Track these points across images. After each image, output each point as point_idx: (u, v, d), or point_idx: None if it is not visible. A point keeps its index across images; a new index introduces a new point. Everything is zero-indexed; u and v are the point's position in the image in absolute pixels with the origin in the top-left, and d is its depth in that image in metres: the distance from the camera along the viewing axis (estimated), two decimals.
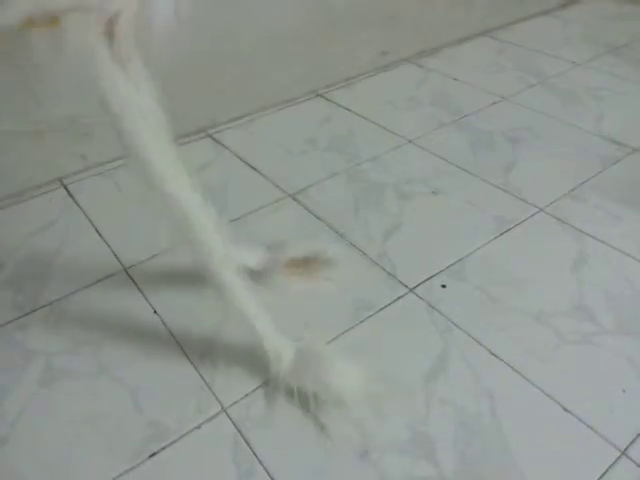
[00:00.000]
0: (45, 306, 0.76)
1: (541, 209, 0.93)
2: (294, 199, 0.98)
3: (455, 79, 1.38)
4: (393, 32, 1.40)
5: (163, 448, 0.58)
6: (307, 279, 0.77)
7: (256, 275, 0.73)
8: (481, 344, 0.70)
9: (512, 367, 0.67)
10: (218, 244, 0.60)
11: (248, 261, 0.74)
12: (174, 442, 0.59)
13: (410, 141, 1.14)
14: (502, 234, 0.88)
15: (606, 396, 0.64)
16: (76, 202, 0.96)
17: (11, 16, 0.44)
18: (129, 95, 0.51)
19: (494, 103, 1.27)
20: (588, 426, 0.60)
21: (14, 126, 0.96)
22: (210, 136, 1.17)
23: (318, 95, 1.32)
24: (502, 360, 0.68)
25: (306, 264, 0.78)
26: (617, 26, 1.65)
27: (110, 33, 0.48)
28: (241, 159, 1.09)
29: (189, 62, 1.08)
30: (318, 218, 0.93)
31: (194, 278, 0.66)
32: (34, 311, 0.75)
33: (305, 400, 0.61)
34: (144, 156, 0.55)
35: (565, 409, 0.62)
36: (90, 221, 0.92)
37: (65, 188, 1.00)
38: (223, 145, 1.14)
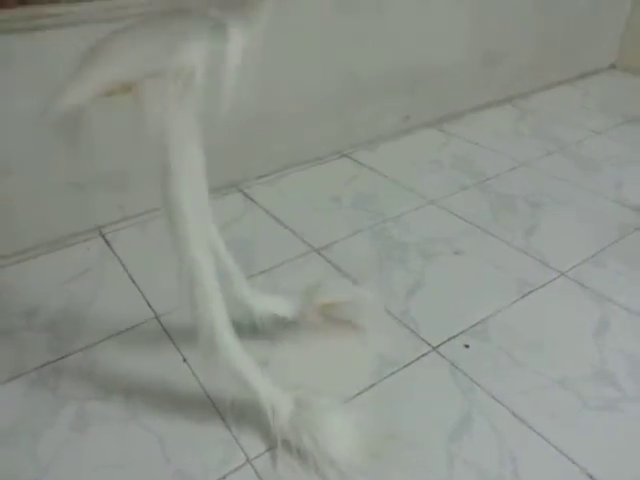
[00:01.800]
0: (79, 351, 0.79)
1: (563, 273, 0.95)
2: (319, 254, 1.01)
3: (476, 144, 1.44)
4: (416, 98, 1.47)
5: None
6: (337, 325, 0.78)
7: (286, 324, 0.76)
8: (504, 405, 0.70)
9: (535, 430, 0.67)
10: (219, 311, 0.61)
11: (279, 310, 0.76)
12: None
13: (432, 202, 1.18)
14: (524, 296, 0.90)
15: (629, 463, 0.64)
16: (113, 250, 1.01)
17: (88, 91, 0.49)
18: (185, 145, 0.55)
19: (514, 168, 1.31)
20: None
21: (59, 177, 1.02)
22: (241, 191, 1.23)
23: (344, 155, 1.38)
24: (525, 423, 0.68)
25: (337, 309, 0.79)
26: (634, 97, 1.71)
27: (181, 90, 0.53)
28: (270, 214, 1.14)
29: (225, 119, 1.15)
30: (342, 273, 0.96)
31: (235, 327, 0.69)
32: (68, 356, 0.78)
33: (304, 457, 0.62)
34: (178, 209, 0.58)
35: (589, 475, 0.62)
36: (125, 269, 0.96)
37: (103, 237, 1.05)
38: (253, 200, 1.19)
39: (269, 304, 0.74)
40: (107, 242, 1.03)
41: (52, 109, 0.48)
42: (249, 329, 0.74)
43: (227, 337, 0.61)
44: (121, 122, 0.92)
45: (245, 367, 0.62)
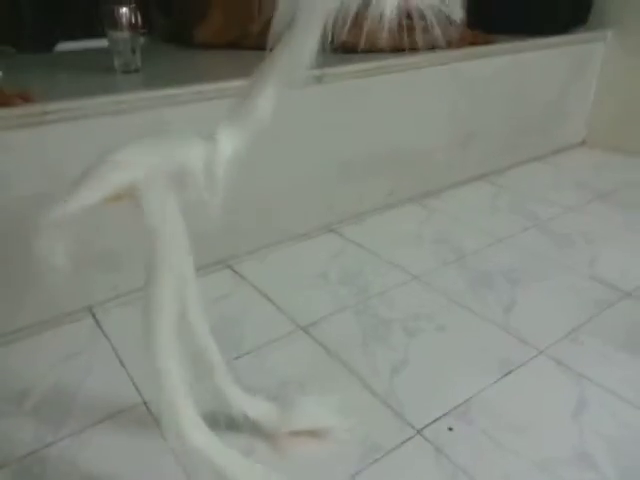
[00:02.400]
0: (65, 438, 0.79)
1: (541, 351, 0.98)
2: (305, 332, 1.04)
3: (456, 219, 1.50)
4: (398, 176, 1.54)
5: None
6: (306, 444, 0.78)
7: (254, 425, 0.76)
8: None
9: None
10: (186, 412, 0.62)
11: (248, 410, 0.75)
12: None
13: (415, 277, 1.22)
14: (505, 375, 0.92)
15: None
16: (103, 331, 1.02)
17: (89, 198, 0.53)
18: (174, 244, 0.59)
19: (492, 244, 1.37)
20: None
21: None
22: (230, 267, 1.26)
23: (331, 230, 1.43)
24: None
25: (308, 434, 0.79)
26: (605, 174, 1.81)
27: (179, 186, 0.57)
28: (258, 290, 1.17)
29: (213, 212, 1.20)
30: (328, 352, 0.98)
31: (212, 418, 0.70)
32: (54, 444, 0.78)
33: None
34: (157, 313, 0.60)
35: None
36: (115, 351, 0.97)
37: (93, 317, 1.07)
38: (242, 276, 1.23)
39: (245, 404, 0.74)
40: (97, 322, 1.05)
41: (51, 215, 0.52)
42: (227, 422, 0.74)
43: (198, 438, 0.61)
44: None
45: (226, 462, 0.63)
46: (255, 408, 0.76)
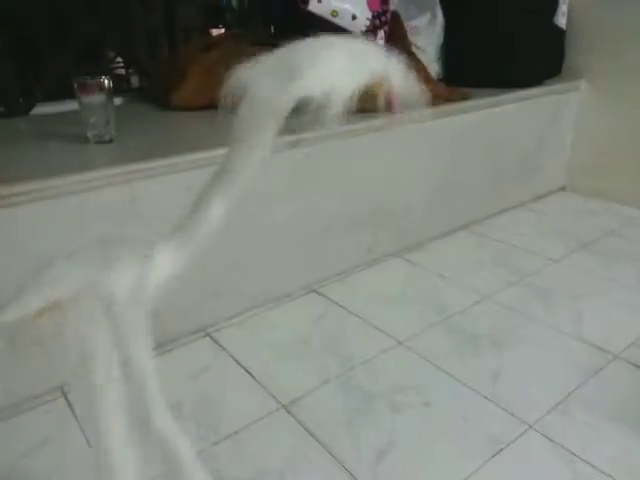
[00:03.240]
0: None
1: (530, 426, 0.95)
2: (287, 411, 1.00)
3: (440, 275, 1.48)
4: (379, 231, 1.53)
5: None
6: None
7: None
8: None
9: None
10: None
11: None
12: None
13: (400, 342, 1.19)
14: (494, 456, 0.89)
15: None
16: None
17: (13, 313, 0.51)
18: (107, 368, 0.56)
19: (477, 302, 1.35)
20: None
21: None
22: (209, 335, 1.23)
23: (313, 290, 1.41)
24: None
25: None
26: (586, 220, 1.82)
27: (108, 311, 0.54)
28: (238, 362, 1.13)
29: (190, 268, 1.18)
30: (311, 435, 0.94)
31: None
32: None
33: None
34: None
35: None
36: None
37: (65, 398, 1.02)
38: (221, 346, 1.19)
39: None
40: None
41: None
42: None
43: None
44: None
45: None
46: None
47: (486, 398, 1.02)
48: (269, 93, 0.50)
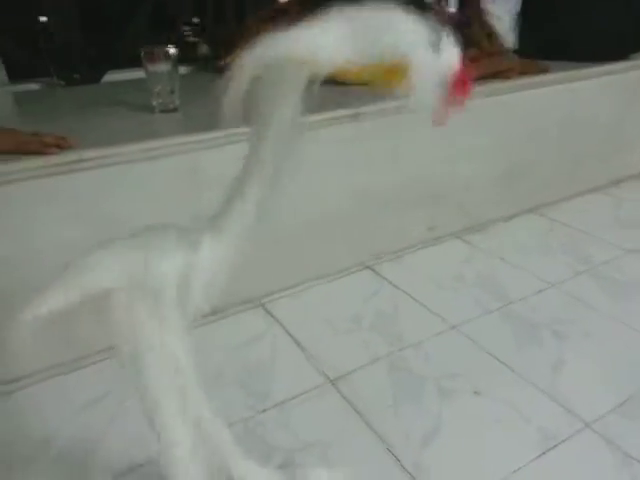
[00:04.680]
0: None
1: (587, 424, 0.90)
2: (334, 385, 1.00)
3: (502, 258, 1.42)
4: (439, 209, 1.48)
5: None
6: None
7: None
8: None
9: None
10: None
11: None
12: None
13: (454, 327, 1.16)
14: (546, 452, 0.85)
15: None
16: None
17: (57, 303, 0.52)
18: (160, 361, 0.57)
19: (541, 291, 1.28)
20: None
21: None
22: (262, 305, 1.24)
23: (367, 267, 1.39)
24: None
25: None
26: None
27: (153, 305, 0.55)
28: (289, 334, 1.14)
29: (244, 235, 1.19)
30: (357, 412, 0.94)
31: None
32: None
33: None
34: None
35: None
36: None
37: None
38: (273, 317, 1.20)
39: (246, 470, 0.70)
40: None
41: (23, 318, 0.51)
42: None
43: None
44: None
45: None
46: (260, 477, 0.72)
47: (542, 391, 0.98)
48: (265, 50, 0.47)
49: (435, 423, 0.91)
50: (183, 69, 1.72)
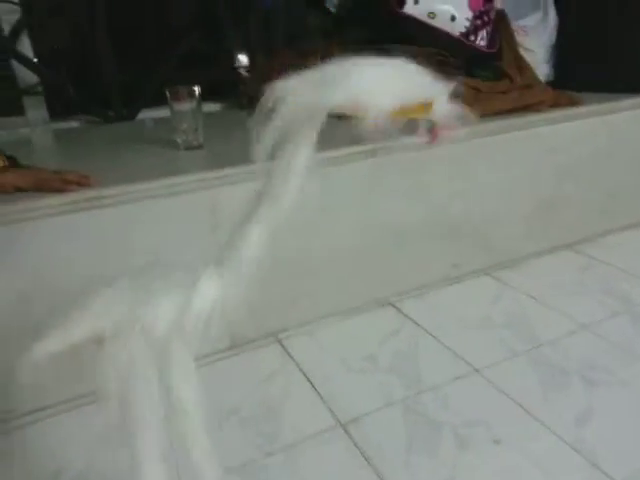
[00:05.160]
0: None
1: None
2: (345, 430, 0.96)
3: (533, 298, 1.36)
4: (464, 246, 1.43)
5: None
6: None
7: None
8: None
9: None
10: None
11: None
12: None
13: (477, 370, 1.11)
14: None
15: None
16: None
17: (55, 345, 0.52)
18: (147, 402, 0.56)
19: (573, 332, 1.21)
20: None
21: None
22: (279, 342, 1.23)
23: (389, 304, 1.36)
24: None
25: None
26: None
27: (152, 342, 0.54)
28: (303, 373, 1.12)
29: (264, 269, 1.19)
30: (366, 460, 0.90)
31: None
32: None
33: None
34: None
35: None
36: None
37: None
38: (289, 354, 1.18)
39: None
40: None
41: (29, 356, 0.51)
42: None
43: None
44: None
45: None
46: None
47: (567, 444, 0.91)
48: (304, 100, 0.48)
49: (449, 475, 0.86)
50: (215, 106, 1.78)
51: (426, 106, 0.54)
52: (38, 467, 0.91)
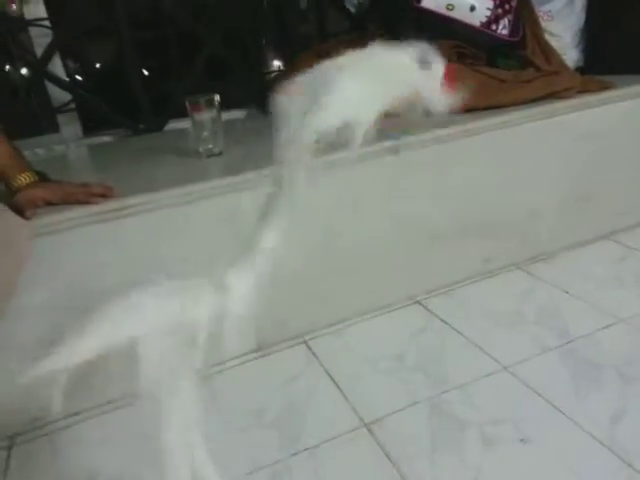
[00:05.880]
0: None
1: None
2: (369, 430, 0.96)
3: (566, 291, 1.31)
4: (496, 240, 1.40)
5: None
6: None
7: None
8: None
9: None
10: None
11: None
12: None
13: (505, 368, 1.08)
14: None
15: None
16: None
17: (79, 355, 0.53)
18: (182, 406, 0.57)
19: (608, 326, 1.16)
20: None
21: None
22: (305, 343, 1.24)
23: (417, 302, 1.34)
24: None
25: None
26: None
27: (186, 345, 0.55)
28: (328, 374, 1.12)
29: (290, 271, 1.19)
30: (390, 460, 0.89)
31: None
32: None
33: None
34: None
35: None
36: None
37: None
38: (315, 355, 1.19)
39: None
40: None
41: (33, 370, 0.52)
42: None
43: None
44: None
45: None
46: None
47: (600, 442, 0.87)
48: (293, 130, 0.50)
49: (474, 475, 0.85)
50: (240, 113, 1.81)
51: (414, 97, 0.53)
52: (75, 468, 0.95)
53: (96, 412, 1.08)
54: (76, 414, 1.08)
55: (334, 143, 0.53)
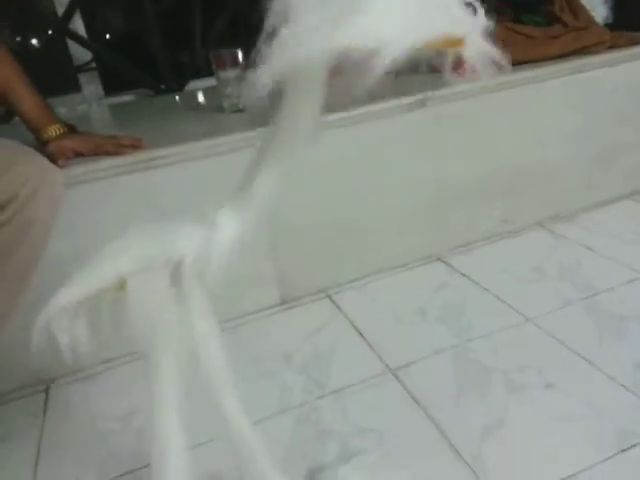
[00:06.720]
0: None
1: None
2: (395, 375, 0.98)
3: (589, 249, 1.31)
4: (515, 200, 1.39)
5: None
6: None
7: None
8: None
9: None
10: None
11: None
12: None
13: (528, 319, 1.09)
14: (624, 451, 0.77)
15: None
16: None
17: (79, 292, 0.53)
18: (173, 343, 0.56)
19: (631, 281, 1.16)
20: None
21: None
22: (329, 297, 1.26)
23: (438, 259, 1.35)
24: None
25: None
26: None
27: (175, 279, 0.55)
28: (352, 324, 1.15)
29: (314, 228, 1.21)
30: (416, 401, 0.92)
31: None
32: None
33: None
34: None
35: None
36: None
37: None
38: (339, 308, 1.21)
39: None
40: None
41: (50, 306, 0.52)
42: None
43: None
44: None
45: None
46: None
47: (624, 387, 0.89)
48: (309, 43, 0.43)
49: (499, 416, 0.86)
50: None
51: (455, 42, 0.48)
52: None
53: (127, 359, 1.11)
54: (107, 362, 1.11)
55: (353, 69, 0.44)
